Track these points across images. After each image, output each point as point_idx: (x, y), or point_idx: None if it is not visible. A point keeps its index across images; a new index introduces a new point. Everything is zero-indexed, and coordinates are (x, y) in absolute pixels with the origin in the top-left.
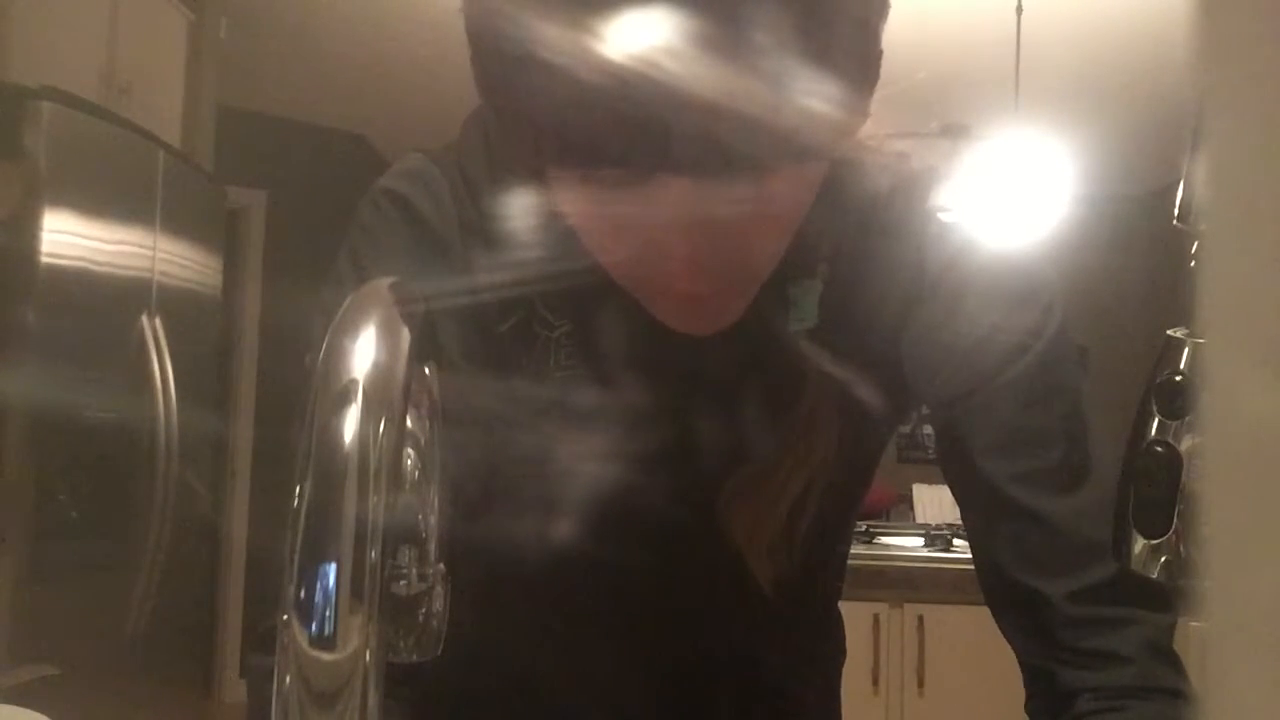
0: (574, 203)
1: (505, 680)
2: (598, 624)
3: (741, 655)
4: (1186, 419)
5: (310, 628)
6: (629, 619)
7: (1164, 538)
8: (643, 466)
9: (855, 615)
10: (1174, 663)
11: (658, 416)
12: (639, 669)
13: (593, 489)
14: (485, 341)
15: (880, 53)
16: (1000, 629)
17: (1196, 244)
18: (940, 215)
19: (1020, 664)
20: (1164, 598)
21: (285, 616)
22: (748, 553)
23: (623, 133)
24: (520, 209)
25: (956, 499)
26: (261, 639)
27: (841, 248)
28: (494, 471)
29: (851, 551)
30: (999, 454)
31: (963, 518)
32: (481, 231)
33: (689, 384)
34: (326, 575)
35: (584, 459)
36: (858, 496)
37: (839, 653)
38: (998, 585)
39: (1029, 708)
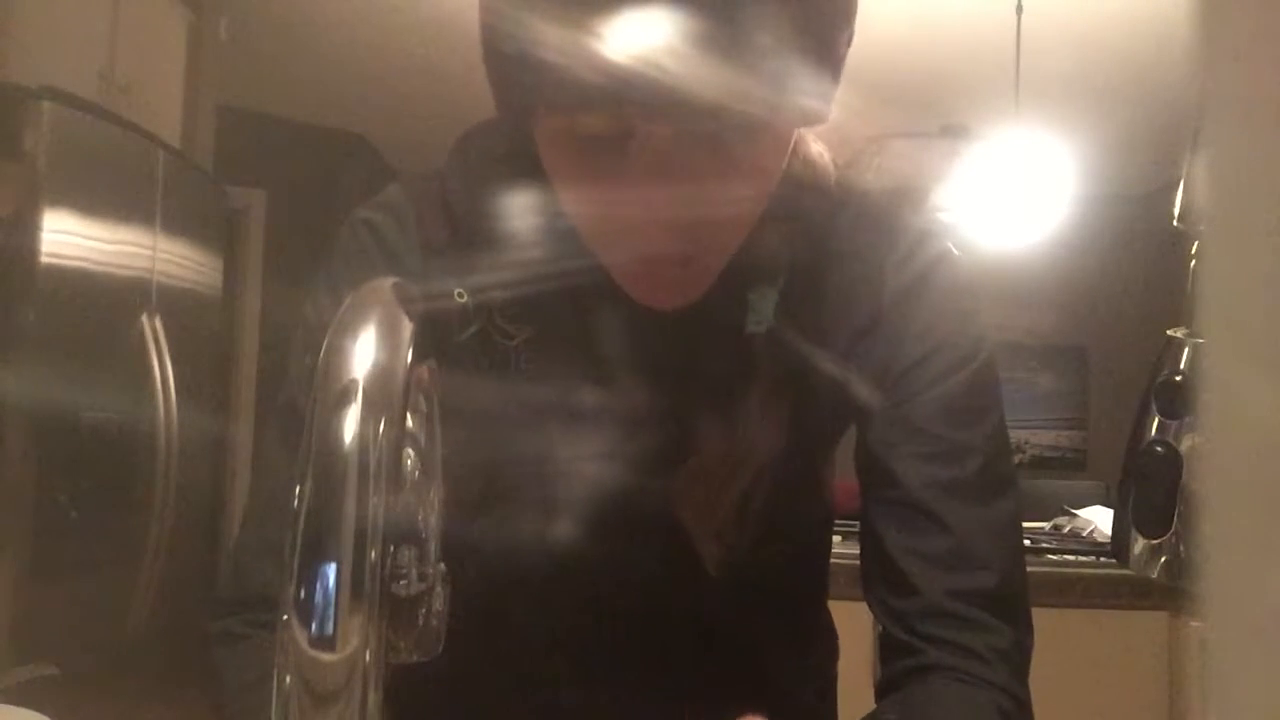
0: (559, 158)
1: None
2: (558, 602)
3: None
4: (1186, 419)
5: (310, 628)
6: (586, 599)
7: (1164, 538)
8: (602, 456)
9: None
10: (1022, 676)
11: (618, 407)
12: (593, 631)
13: (552, 479)
14: (445, 350)
15: (843, 56)
16: (866, 599)
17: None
18: (907, 236)
19: (880, 633)
20: (1027, 620)
21: (285, 616)
22: (695, 537)
23: (615, 75)
24: (499, 214)
25: (863, 487)
26: (221, 608)
27: (800, 261)
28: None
29: (852, 552)
30: (919, 460)
31: (864, 503)
32: (447, 249)
33: (648, 376)
34: (326, 575)
35: (545, 450)
36: (809, 493)
37: (831, 655)
38: (879, 566)
39: (882, 670)
